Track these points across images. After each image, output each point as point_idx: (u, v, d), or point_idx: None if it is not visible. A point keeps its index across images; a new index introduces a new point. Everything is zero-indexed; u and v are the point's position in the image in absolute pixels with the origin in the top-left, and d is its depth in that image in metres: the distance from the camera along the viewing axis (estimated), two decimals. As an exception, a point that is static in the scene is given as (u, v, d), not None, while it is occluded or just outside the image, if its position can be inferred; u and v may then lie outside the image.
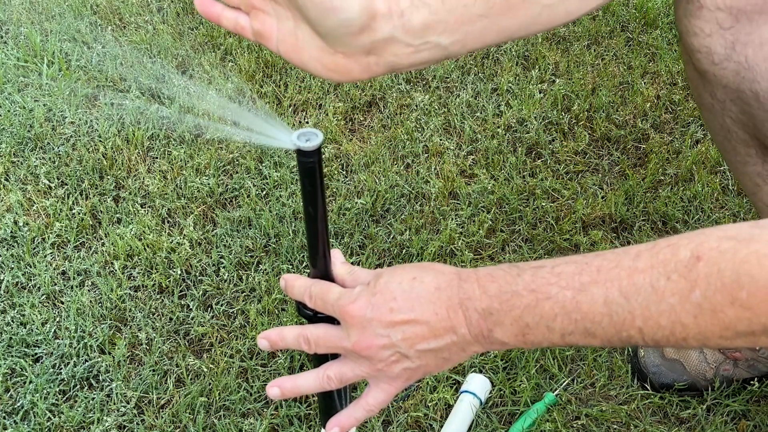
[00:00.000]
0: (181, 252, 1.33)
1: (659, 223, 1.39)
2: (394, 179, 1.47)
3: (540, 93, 1.67)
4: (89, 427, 1.10)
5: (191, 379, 1.16)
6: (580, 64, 1.76)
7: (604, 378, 1.15)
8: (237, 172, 1.49)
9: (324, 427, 0.75)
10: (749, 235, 0.52)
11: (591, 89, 1.68)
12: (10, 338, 1.21)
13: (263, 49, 1.78)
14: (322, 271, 0.71)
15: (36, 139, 1.56)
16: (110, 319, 1.24)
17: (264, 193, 1.46)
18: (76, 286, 1.29)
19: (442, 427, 1.09)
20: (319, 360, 0.71)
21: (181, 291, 1.29)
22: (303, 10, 0.62)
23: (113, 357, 1.18)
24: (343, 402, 0.75)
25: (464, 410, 1.09)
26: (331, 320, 0.69)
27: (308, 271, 0.72)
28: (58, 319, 1.24)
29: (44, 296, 1.27)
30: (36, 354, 1.19)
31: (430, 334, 0.63)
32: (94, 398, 1.13)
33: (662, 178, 1.48)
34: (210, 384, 1.15)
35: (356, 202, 1.42)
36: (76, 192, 1.45)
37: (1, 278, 1.29)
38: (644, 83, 1.70)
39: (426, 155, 1.53)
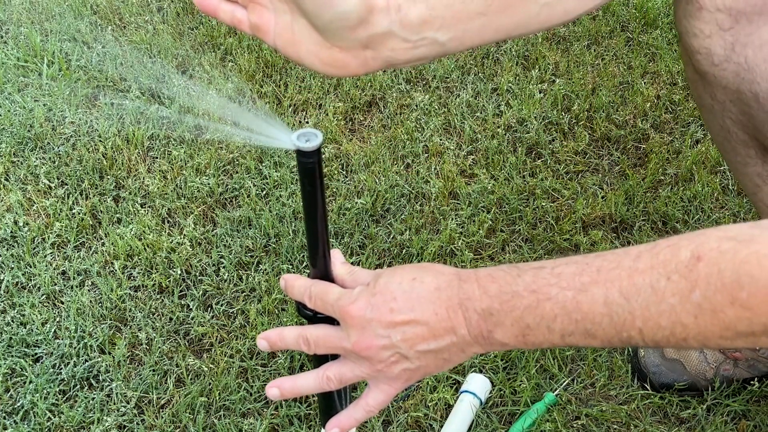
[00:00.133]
0: (181, 252, 1.33)
1: (659, 223, 1.39)
2: (394, 179, 1.47)
3: (540, 93, 1.67)
4: (89, 427, 1.10)
5: (191, 379, 1.16)
6: (580, 64, 1.76)
7: (604, 378, 1.15)
8: (237, 172, 1.49)
9: (324, 428, 0.75)
10: (749, 236, 0.52)
11: (591, 89, 1.68)
12: (10, 338, 1.21)
13: (263, 48, 1.78)
14: (322, 272, 0.71)
15: (36, 139, 1.55)
16: (110, 319, 1.24)
17: (264, 193, 1.46)
18: (76, 286, 1.29)
19: (442, 427, 1.09)
20: (318, 360, 0.71)
21: (181, 291, 1.29)
22: (300, 3, 0.62)
23: (113, 357, 1.18)
24: (343, 402, 0.75)
25: (464, 410, 1.09)
26: (331, 321, 0.69)
27: (308, 271, 0.72)
28: (58, 319, 1.24)
29: (44, 296, 1.27)
30: (36, 354, 1.19)
31: (429, 335, 0.63)
32: (94, 398, 1.13)
33: (662, 178, 1.48)
34: (210, 384, 1.15)
35: (356, 202, 1.42)
36: (76, 192, 1.45)
37: (1, 278, 1.29)
38: (644, 83, 1.70)
39: (426, 155, 1.53)
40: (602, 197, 1.44)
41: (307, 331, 0.69)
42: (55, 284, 1.29)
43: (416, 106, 1.64)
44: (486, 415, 1.11)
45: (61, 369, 1.17)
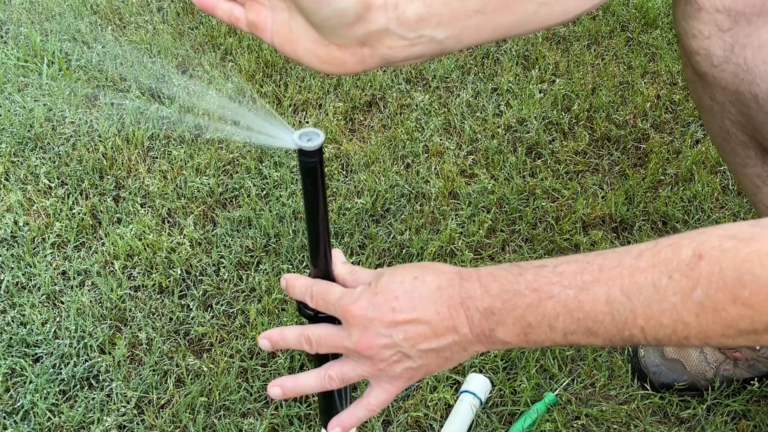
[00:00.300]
0: (181, 252, 1.33)
1: (659, 223, 1.40)
2: (394, 179, 1.47)
3: (540, 93, 1.67)
4: (89, 427, 1.10)
5: (191, 379, 1.16)
6: (580, 64, 1.76)
7: (604, 378, 1.15)
8: (237, 172, 1.49)
9: (325, 427, 0.75)
10: (750, 234, 0.52)
11: (591, 89, 1.68)
12: (10, 338, 1.20)
13: (263, 48, 1.78)
14: (323, 271, 0.71)
15: (36, 139, 1.55)
16: (110, 319, 1.24)
17: (264, 192, 1.46)
18: (76, 286, 1.29)
19: (442, 427, 1.09)
20: (320, 360, 0.71)
21: (181, 291, 1.29)
22: (297, 0, 0.62)
23: (113, 357, 1.18)
24: (344, 402, 0.75)
25: (464, 410, 1.09)
26: (332, 320, 0.69)
27: (308, 270, 0.72)
28: (58, 319, 1.24)
29: (44, 296, 1.27)
30: (36, 354, 1.19)
31: (431, 334, 0.63)
32: (94, 398, 1.13)
33: (662, 178, 1.48)
34: (210, 384, 1.15)
35: (356, 202, 1.42)
36: (76, 192, 1.45)
37: (1, 278, 1.29)
38: (644, 83, 1.70)
39: (426, 155, 1.53)
40: (602, 197, 1.44)
41: (308, 330, 0.69)
42: (55, 284, 1.29)
43: (416, 106, 1.65)
44: (486, 415, 1.11)
45: (61, 369, 1.17)
